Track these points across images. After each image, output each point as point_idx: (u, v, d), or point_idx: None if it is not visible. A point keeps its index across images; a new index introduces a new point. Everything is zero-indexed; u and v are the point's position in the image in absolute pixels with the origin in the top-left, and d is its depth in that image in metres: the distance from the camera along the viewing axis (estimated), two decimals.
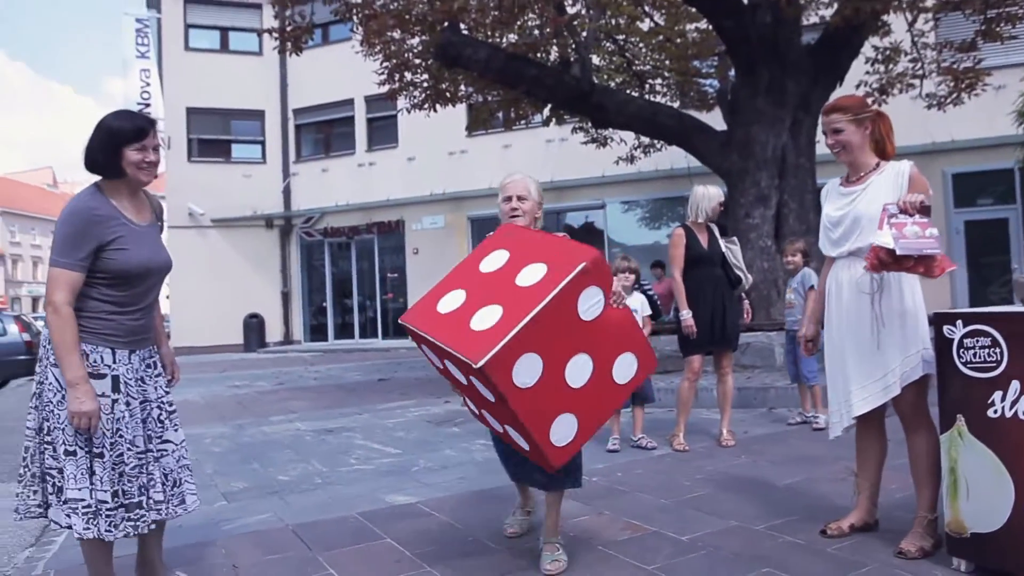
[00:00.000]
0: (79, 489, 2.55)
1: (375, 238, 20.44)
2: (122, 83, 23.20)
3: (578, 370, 2.64)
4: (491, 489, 4.36)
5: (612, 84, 12.68)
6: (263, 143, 21.50)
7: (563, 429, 2.66)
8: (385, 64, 11.46)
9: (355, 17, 10.69)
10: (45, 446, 2.62)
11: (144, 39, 23.05)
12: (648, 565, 3.03)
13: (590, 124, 12.56)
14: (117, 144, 2.60)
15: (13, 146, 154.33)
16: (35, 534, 3.92)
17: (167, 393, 2.88)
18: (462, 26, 10.57)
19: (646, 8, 11.89)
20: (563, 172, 16.68)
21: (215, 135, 21.47)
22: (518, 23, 10.96)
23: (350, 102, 20.49)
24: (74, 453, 2.56)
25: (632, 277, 5.28)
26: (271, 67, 20.93)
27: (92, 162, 2.65)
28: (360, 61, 12.07)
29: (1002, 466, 2.70)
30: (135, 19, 22.37)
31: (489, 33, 11.09)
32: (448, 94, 11.94)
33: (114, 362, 2.66)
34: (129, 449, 2.65)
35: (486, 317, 2.60)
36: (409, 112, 12.38)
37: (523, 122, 15.00)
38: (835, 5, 9.20)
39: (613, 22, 11.79)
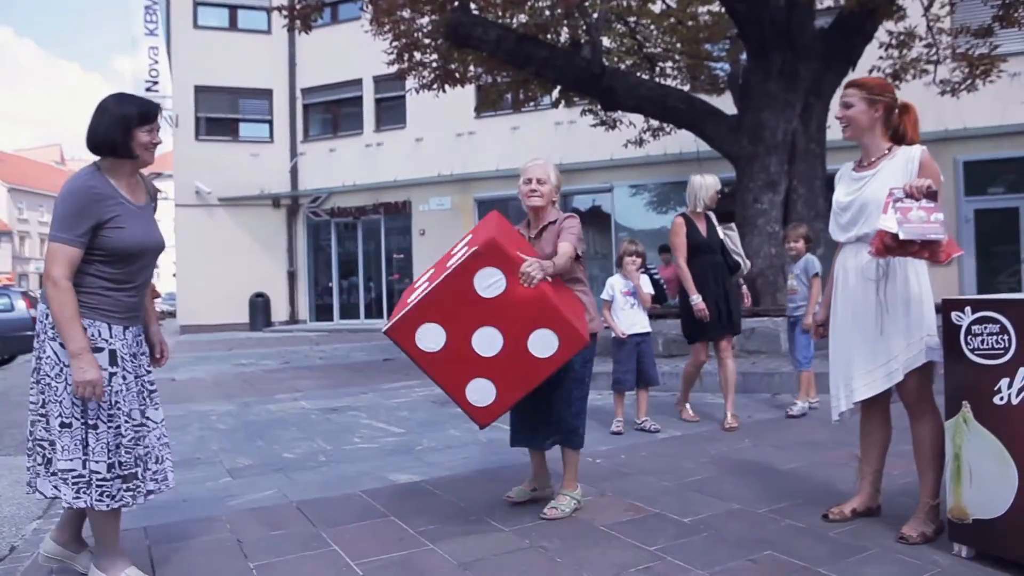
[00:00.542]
0: (70, 460, 2.61)
1: (382, 219, 20.43)
2: (130, 61, 23.20)
3: (486, 341, 3.05)
4: (495, 469, 4.38)
5: (622, 66, 12.59)
6: (271, 122, 21.46)
7: (479, 392, 3.12)
8: (394, 44, 11.40)
9: None
10: (39, 418, 2.69)
11: (153, 16, 23.01)
12: (649, 546, 3.04)
13: (599, 107, 12.49)
14: (129, 126, 2.69)
15: (21, 123, 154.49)
16: (43, 506, 3.96)
17: (149, 372, 2.96)
18: (472, 6, 10.51)
19: None
20: (571, 155, 16.61)
21: (223, 114, 21.43)
22: (529, 3, 10.89)
23: (358, 82, 20.41)
24: (69, 425, 2.62)
25: (639, 260, 5.30)
26: (280, 46, 20.85)
27: (103, 143, 2.70)
28: (369, 40, 12.02)
29: (1007, 453, 2.69)
30: None
31: (499, 13, 11.02)
32: (457, 75, 11.88)
33: (110, 336, 2.72)
34: (126, 421, 2.71)
35: (416, 294, 3.17)
36: (418, 92, 12.34)
37: (532, 104, 14.94)
38: None
39: (624, 3, 11.68)
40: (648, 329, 5.32)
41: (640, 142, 13.81)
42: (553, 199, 3.58)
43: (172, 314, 30.45)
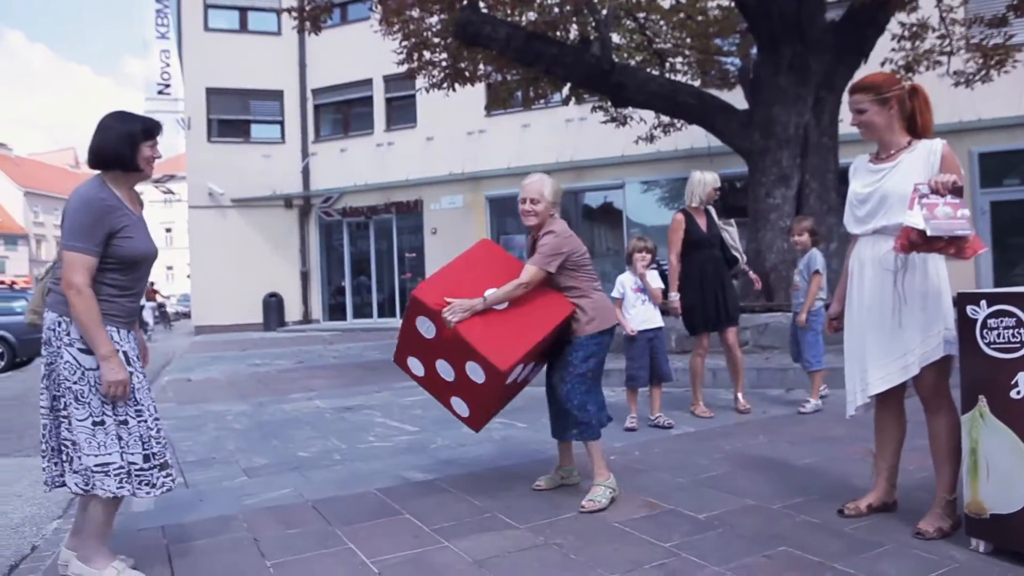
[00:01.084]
0: (108, 454, 2.76)
1: (393, 218, 20.49)
2: (142, 64, 23.37)
3: (444, 369, 3.63)
4: (509, 466, 4.39)
5: (632, 62, 12.56)
6: (282, 123, 21.55)
7: (459, 405, 3.77)
8: (404, 43, 11.42)
9: None
10: (61, 419, 2.81)
11: (164, 20, 23.15)
12: (664, 543, 3.05)
13: (609, 103, 12.46)
14: (136, 142, 2.87)
15: (34, 127, 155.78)
16: (62, 506, 4.01)
17: (144, 374, 3.07)
18: (481, 4, 10.51)
19: None
20: (582, 152, 16.60)
21: (234, 115, 21.54)
22: (538, 1, 10.88)
23: (369, 82, 20.47)
24: (103, 423, 2.77)
25: (648, 256, 5.31)
26: (290, 47, 20.94)
27: (111, 157, 2.85)
28: (379, 40, 12.04)
29: (1023, 447, 2.68)
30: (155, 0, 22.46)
31: (509, 11, 11.02)
32: (467, 73, 11.89)
33: (120, 340, 2.86)
34: (151, 415, 2.89)
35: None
36: (428, 92, 12.35)
37: (542, 101, 14.93)
38: None
39: (634, 0, 11.66)
40: (660, 324, 5.31)
41: (651, 138, 13.77)
42: (551, 214, 3.73)
43: (187, 315, 30.66)
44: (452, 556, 3.02)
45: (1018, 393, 2.70)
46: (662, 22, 12.54)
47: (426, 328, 3.57)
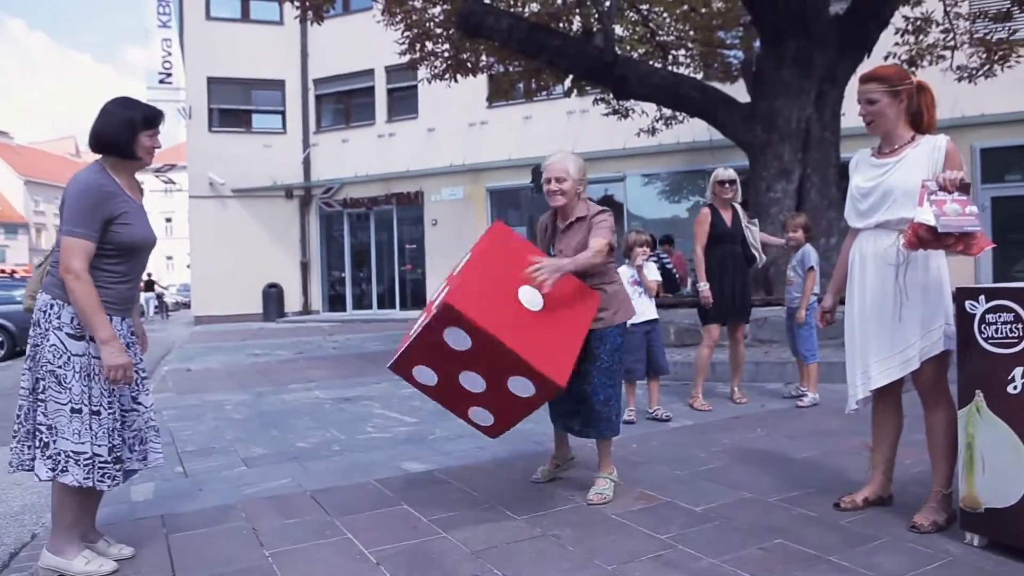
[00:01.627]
0: (81, 443, 2.76)
1: (394, 209, 20.47)
2: (143, 52, 23.30)
3: (471, 381, 3.26)
4: (507, 458, 4.40)
5: (635, 55, 12.52)
6: (283, 113, 21.51)
7: (480, 416, 3.44)
8: (406, 34, 11.40)
9: None
10: (39, 403, 2.81)
11: (166, 8, 23.08)
12: (661, 535, 3.06)
13: (611, 95, 12.44)
14: (135, 129, 2.86)
15: (38, 116, 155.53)
16: None
17: (141, 360, 3.09)
18: None
19: None
20: (583, 144, 16.55)
21: (236, 105, 21.50)
22: None
23: (370, 72, 20.42)
24: (80, 411, 2.77)
25: (647, 250, 5.35)
26: (292, 36, 20.88)
27: (109, 143, 2.86)
28: (381, 30, 12.02)
29: (1020, 442, 2.69)
30: None
31: (511, 2, 10.98)
32: (469, 64, 11.87)
33: (115, 327, 2.84)
34: (121, 407, 2.90)
35: (412, 331, 3.45)
36: (430, 82, 12.33)
37: (544, 93, 14.91)
38: None
39: None
40: (656, 317, 5.32)
41: (653, 131, 13.75)
42: (578, 191, 3.60)
43: (187, 305, 30.68)
44: (449, 546, 3.04)
45: (1015, 388, 2.71)
46: (665, 14, 12.51)
47: (458, 340, 3.11)
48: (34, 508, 3.89)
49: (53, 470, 2.77)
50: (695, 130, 13.89)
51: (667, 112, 13.21)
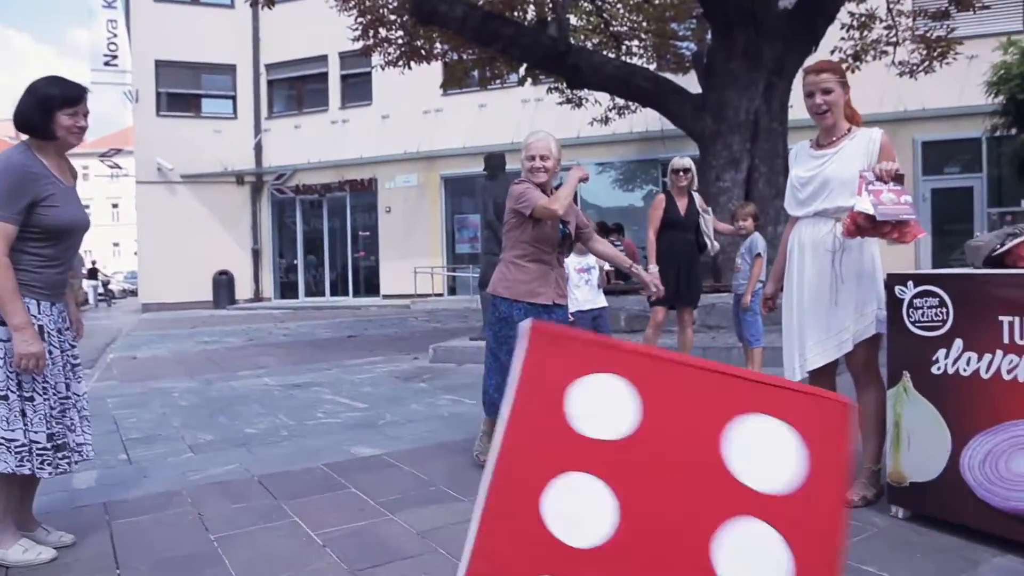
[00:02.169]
0: (12, 430, 2.70)
1: (347, 196, 20.29)
2: (88, 34, 22.60)
3: None
4: (456, 441, 4.44)
5: (588, 45, 12.61)
6: (234, 98, 21.11)
7: None
8: (360, 20, 11.29)
9: None
10: None
11: None
12: None
13: (565, 85, 12.50)
14: (50, 108, 2.74)
15: None
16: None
17: (73, 347, 3.01)
18: None
19: None
20: None
21: (185, 89, 21.03)
22: None
23: (324, 58, 20.16)
24: (5, 397, 2.70)
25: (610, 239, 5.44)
26: (243, 20, 20.47)
27: (24, 122, 2.78)
28: (334, 16, 11.88)
29: (942, 420, 2.82)
30: None
31: None
32: (423, 51, 11.81)
33: (39, 312, 2.77)
34: (55, 394, 2.83)
35: None
36: (383, 69, 12.24)
37: (498, 81, 14.92)
38: None
39: None
40: (604, 304, 5.40)
41: (606, 120, 13.86)
42: (556, 171, 3.81)
43: (134, 293, 29.99)
44: (397, 528, 3.06)
45: (939, 369, 2.85)
46: (619, 5, 12.62)
47: None
48: None
49: None
50: (648, 120, 14.05)
51: (620, 102, 13.33)
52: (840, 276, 3.13)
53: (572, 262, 5.36)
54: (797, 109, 3.53)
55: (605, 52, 12.32)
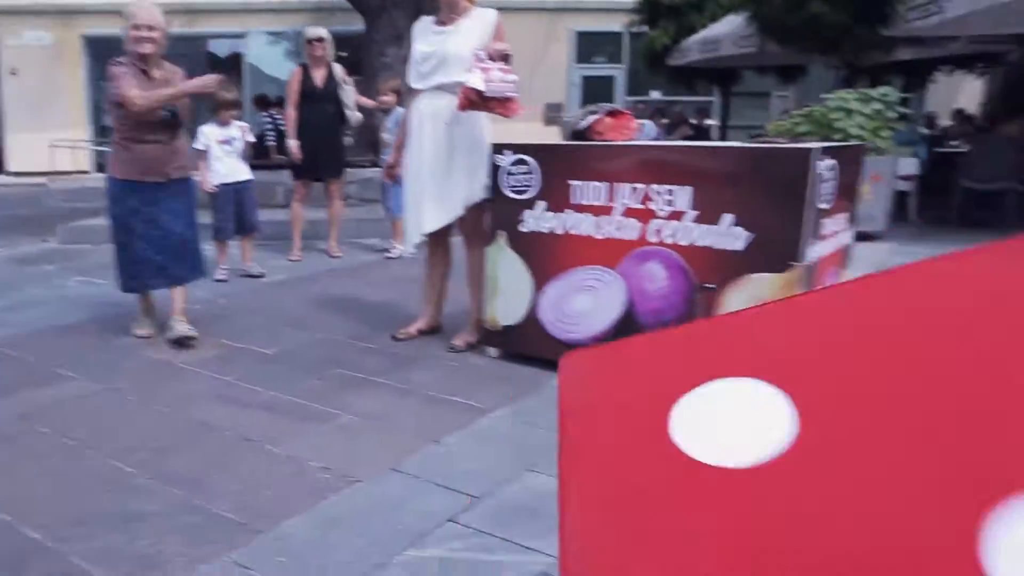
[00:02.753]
0: None
1: None
2: None
3: None
4: (78, 324, 4.13)
5: None
6: None
7: None
8: None
9: None
10: None
11: None
12: (227, 376, 3.20)
13: None
14: None
15: None
16: None
17: None
18: None
19: None
20: None
21: None
22: None
23: None
24: None
25: (236, 112, 5.22)
26: None
27: None
28: None
29: (527, 272, 3.28)
30: None
31: None
32: None
33: None
34: None
35: None
36: None
37: None
38: None
39: None
40: (249, 177, 5.25)
41: None
42: (163, 44, 3.58)
43: None
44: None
45: (526, 227, 3.28)
46: None
47: None
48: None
49: None
50: None
51: None
52: (454, 147, 3.41)
53: (212, 133, 5.11)
54: None
55: None
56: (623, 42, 15.44)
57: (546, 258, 3.25)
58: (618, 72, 15.90)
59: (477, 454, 2.47)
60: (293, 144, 5.64)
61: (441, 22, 3.47)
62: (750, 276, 2.80)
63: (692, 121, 12.72)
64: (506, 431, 2.66)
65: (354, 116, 6.00)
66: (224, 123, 5.11)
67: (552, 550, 1.45)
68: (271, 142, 9.49)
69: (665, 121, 12.46)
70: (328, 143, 5.79)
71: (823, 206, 2.81)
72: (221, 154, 5.08)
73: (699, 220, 2.88)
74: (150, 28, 3.48)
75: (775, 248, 2.74)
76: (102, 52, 16.36)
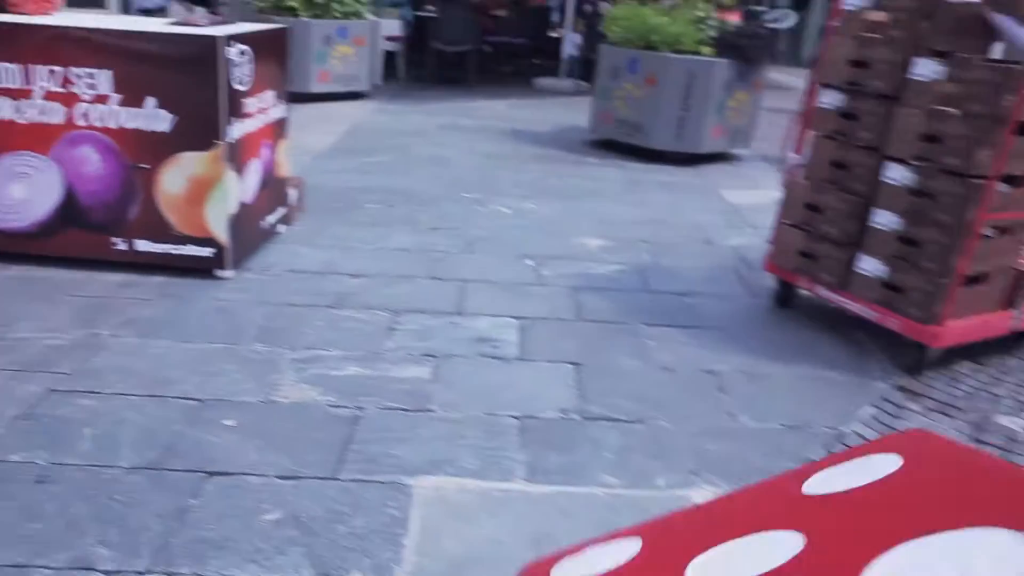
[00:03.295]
0: None
1: None
2: None
3: None
4: None
5: None
6: None
7: None
8: None
9: None
10: None
11: None
12: None
13: None
14: None
15: None
16: None
17: None
18: None
19: None
20: None
21: None
22: None
23: None
24: None
25: None
26: None
27: None
28: None
29: None
30: None
31: None
32: None
33: None
34: None
35: None
36: None
37: None
38: None
39: None
40: None
41: None
42: None
43: None
44: None
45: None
46: None
47: None
48: None
49: None
50: None
51: None
52: None
53: None
54: None
55: None
56: None
57: None
58: None
59: None
60: None
61: None
62: (180, 155, 3.05)
63: None
64: None
65: None
66: None
67: None
68: None
69: None
70: None
71: (240, 87, 3.14)
72: None
73: (124, 104, 2.99)
74: None
75: (198, 128, 3.02)
76: None
